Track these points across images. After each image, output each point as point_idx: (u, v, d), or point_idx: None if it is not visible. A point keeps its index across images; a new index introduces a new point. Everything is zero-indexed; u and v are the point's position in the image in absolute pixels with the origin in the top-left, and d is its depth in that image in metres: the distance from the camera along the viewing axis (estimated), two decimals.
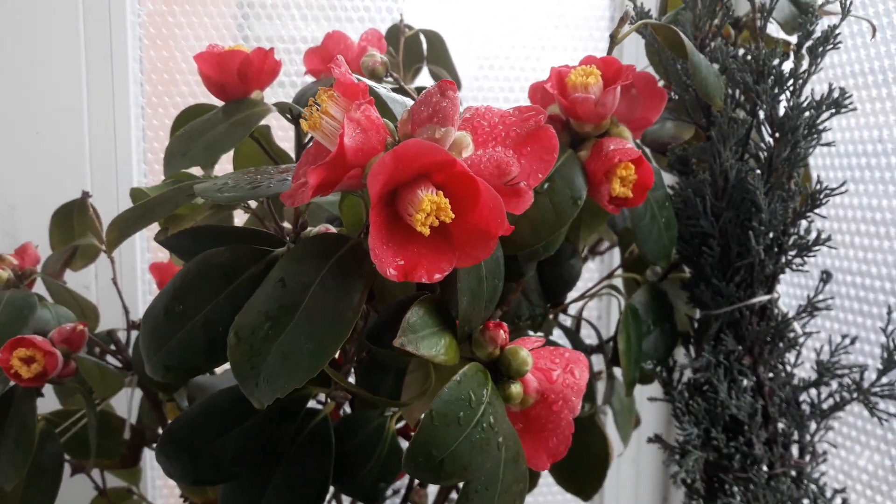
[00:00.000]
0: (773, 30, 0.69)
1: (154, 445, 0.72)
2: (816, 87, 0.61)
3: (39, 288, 0.74)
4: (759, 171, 0.56)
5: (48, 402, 0.79)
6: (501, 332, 0.41)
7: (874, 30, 0.67)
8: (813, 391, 0.61)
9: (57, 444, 0.64)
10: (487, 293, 0.42)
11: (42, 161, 0.99)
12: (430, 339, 0.39)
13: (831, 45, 0.55)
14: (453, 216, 0.36)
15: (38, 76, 0.96)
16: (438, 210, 0.36)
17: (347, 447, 0.53)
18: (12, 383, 0.59)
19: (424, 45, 0.93)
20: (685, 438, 0.57)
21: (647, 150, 0.69)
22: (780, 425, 0.60)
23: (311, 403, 0.59)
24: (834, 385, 0.60)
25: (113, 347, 0.74)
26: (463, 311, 0.39)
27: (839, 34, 0.55)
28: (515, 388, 0.41)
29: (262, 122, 0.59)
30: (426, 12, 1.11)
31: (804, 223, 0.58)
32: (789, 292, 0.93)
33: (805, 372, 0.64)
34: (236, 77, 0.57)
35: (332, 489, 0.56)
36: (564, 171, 0.47)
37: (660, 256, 0.53)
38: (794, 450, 0.62)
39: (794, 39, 0.60)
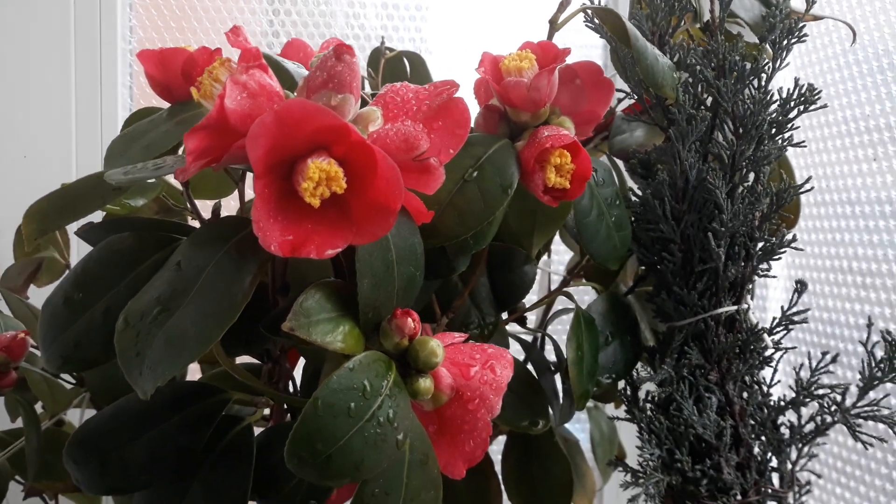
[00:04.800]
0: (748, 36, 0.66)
1: None
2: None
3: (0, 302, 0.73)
4: (722, 172, 0.52)
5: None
6: (410, 320, 0.37)
7: (854, 34, 0.64)
8: (793, 414, 0.56)
9: None
10: (400, 281, 0.39)
11: (30, 185, 0.98)
12: (325, 325, 0.36)
13: (796, 39, 0.52)
14: (345, 186, 0.34)
15: (27, 100, 0.97)
16: (329, 180, 0.34)
17: (273, 459, 0.49)
18: None
19: (408, 68, 0.92)
20: (647, 460, 0.52)
21: (618, 161, 0.66)
22: (756, 450, 0.55)
23: None
24: (817, 406, 0.55)
25: None
26: (364, 294, 0.36)
27: (804, 26, 0.52)
28: (424, 383, 0.37)
29: None
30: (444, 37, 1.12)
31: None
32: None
33: (785, 392, 0.59)
34: (181, 78, 0.56)
35: None
36: (496, 158, 0.44)
37: (609, 258, 0.49)
38: (775, 479, 0.57)
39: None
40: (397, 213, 0.34)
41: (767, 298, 0.91)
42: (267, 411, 0.57)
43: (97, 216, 0.52)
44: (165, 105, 0.58)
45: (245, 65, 0.34)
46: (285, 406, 0.55)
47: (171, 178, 0.61)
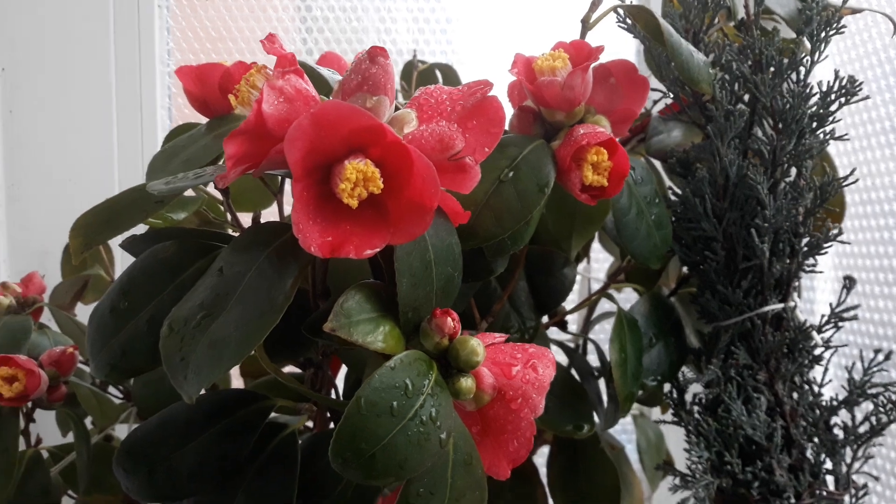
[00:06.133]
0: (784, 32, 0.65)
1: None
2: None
3: (50, 320, 0.75)
4: (763, 167, 0.51)
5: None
6: (449, 320, 0.37)
7: (895, 25, 0.62)
8: (847, 414, 0.55)
9: (45, 473, 0.63)
10: (439, 281, 0.39)
11: (74, 207, 1.01)
12: (366, 325, 0.36)
13: (834, 31, 0.51)
14: (382, 186, 0.34)
15: (71, 126, 1.00)
16: (366, 180, 0.34)
17: (318, 465, 0.49)
18: None
19: (440, 79, 0.92)
20: (695, 463, 0.51)
21: (655, 162, 0.66)
22: (809, 452, 0.53)
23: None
24: (871, 406, 0.54)
25: None
26: (404, 294, 0.36)
27: (841, 18, 0.51)
28: (466, 382, 0.37)
29: None
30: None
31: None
32: None
33: (837, 393, 0.57)
34: (218, 92, 0.57)
35: None
36: (532, 158, 0.44)
37: (650, 257, 0.49)
38: (830, 481, 0.55)
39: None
40: (434, 212, 0.34)
41: (815, 301, 0.89)
42: (311, 423, 0.57)
43: (140, 230, 0.53)
44: (204, 121, 0.59)
45: (281, 70, 0.35)
46: (328, 414, 0.55)
47: (211, 191, 0.62)
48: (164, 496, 0.46)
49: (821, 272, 0.51)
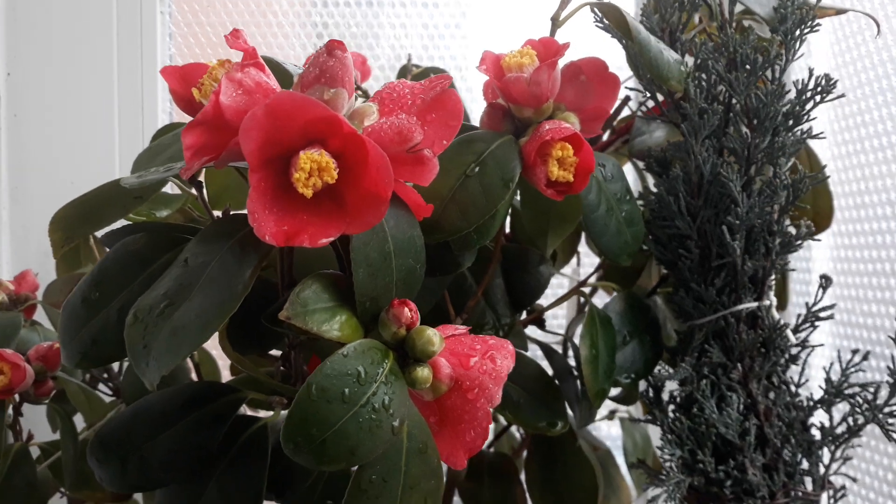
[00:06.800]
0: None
1: None
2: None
3: (43, 318, 0.76)
4: (738, 166, 0.51)
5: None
6: (406, 310, 0.38)
7: (878, 26, 0.63)
8: (825, 415, 0.54)
9: (32, 467, 0.64)
10: (399, 273, 0.39)
11: None
12: (322, 314, 0.36)
13: (809, 30, 0.51)
14: (336, 177, 0.35)
15: (74, 129, 1.01)
16: (321, 170, 0.34)
17: (289, 458, 0.50)
18: None
19: None
20: (668, 461, 0.51)
21: (639, 163, 0.66)
22: (785, 452, 0.53)
23: None
24: (848, 407, 0.53)
25: (105, 375, 0.74)
26: (360, 283, 0.37)
27: (815, 16, 0.51)
28: (422, 372, 0.37)
29: None
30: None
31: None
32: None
33: (815, 394, 0.57)
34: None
35: None
36: (498, 153, 0.44)
37: (620, 253, 0.49)
38: (808, 483, 0.55)
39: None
40: (388, 202, 0.35)
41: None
42: None
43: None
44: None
45: (241, 63, 0.36)
46: None
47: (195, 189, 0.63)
48: (136, 486, 0.47)
49: (793, 270, 0.51)
